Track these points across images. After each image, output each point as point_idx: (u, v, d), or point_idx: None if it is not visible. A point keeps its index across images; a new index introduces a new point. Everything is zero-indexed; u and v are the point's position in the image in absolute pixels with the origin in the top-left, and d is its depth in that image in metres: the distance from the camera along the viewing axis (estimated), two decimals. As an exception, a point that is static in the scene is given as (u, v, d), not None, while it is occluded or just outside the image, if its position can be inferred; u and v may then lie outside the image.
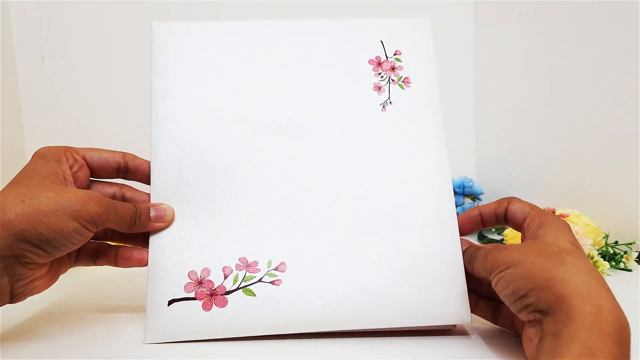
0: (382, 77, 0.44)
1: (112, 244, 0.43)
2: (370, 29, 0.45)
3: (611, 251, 0.59)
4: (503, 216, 0.42)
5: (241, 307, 0.39)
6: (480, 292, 0.42)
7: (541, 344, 0.32)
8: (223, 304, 0.39)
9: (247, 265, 0.40)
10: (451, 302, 0.39)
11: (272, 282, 0.39)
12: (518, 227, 0.41)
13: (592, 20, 0.69)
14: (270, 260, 0.40)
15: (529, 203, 0.41)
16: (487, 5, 0.82)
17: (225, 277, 0.40)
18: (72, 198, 0.36)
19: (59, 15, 0.83)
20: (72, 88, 0.86)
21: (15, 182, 0.38)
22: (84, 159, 0.42)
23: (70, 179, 0.40)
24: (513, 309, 0.35)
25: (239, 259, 0.40)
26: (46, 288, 0.39)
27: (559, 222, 0.38)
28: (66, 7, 0.83)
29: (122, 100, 0.87)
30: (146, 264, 0.41)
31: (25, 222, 0.34)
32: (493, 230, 0.84)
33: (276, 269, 0.40)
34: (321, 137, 0.43)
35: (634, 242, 0.61)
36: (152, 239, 0.41)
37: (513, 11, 0.79)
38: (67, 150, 0.41)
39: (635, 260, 0.61)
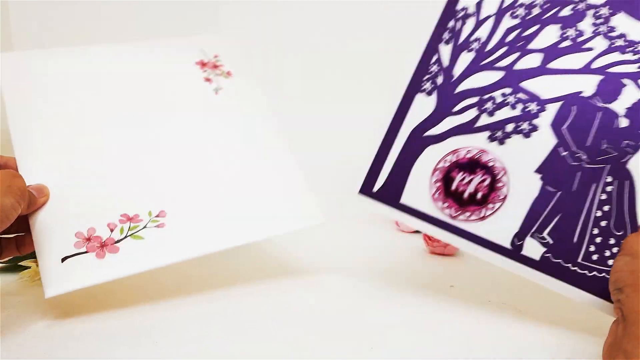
0: (208, 72, 0.57)
1: (5, 237, 0.46)
2: (190, 42, 0.59)
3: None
4: None
5: (133, 250, 0.44)
6: None
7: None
8: (115, 250, 0.43)
9: (130, 219, 0.46)
10: (302, 209, 0.52)
11: (157, 226, 0.46)
12: None
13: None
14: (150, 211, 0.46)
15: None
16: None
17: (112, 230, 0.45)
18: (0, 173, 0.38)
19: (59, 15, 0.83)
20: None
21: None
22: None
23: None
24: (612, 297, 0.35)
25: (121, 215, 0.46)
26: None
27: None
28: (66, 7, 0.83)
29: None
30: None
31: None
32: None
33: (157, 216, 0.46)
34: (173, 116, 0.52)
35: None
36: (32, 217, 0.44)
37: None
38: None
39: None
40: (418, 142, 0.49)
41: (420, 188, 0.48)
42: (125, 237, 0.44)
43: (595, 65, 0.44)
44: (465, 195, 0.46)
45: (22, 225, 0.44)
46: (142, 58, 0.55)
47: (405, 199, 0.48)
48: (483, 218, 0.45)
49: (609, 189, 0.42)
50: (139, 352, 0.37)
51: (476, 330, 0.43)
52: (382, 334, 0.42)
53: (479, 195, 0.46)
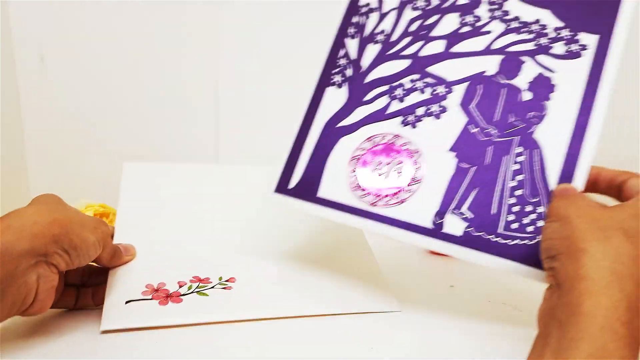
0: None
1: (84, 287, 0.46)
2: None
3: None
4: (617, 188, 0.38)
5: (195, 303, 0.43)
6: None
7: (548, 332, 0.31)
8: (178, 301, 0.43)
9: (200, 280, 0.47)
10: (379, 298, 0.48)
11: (224, 288, 0.46)
12: None
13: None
14: (221, 277, 0.47)
15: None
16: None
17: (180, 286, 0.45)
18: (90, 217, 0.41)
19: (59, 15, 0.83)
20: (72, 88, 0.86)
21: (32, 204, 0.39)
22: None
23: None
24: (544, 265, 0.34)
25: (193, 276, 0.47)
26: (46, 309, 0.38)
27: None
28: (66, 7, 0.83)
29: (121, 100, 0.87)
30: None
31: (60, 227, 0.36)
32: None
33: (227, 281, 0.47)
34: (254, 214, 0.58)
35: None
36: (113, 270, 0.46)
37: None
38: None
39: None
40: (332, 134, 0.47)
41: (337, 179, 0.46)
42: (192, 292, 0.45)
43: (495, 46, 0.45)
44: (383, 180, 0.45)
45: (103, 278, 0.45)
46: (237, 178, 0.62)
47: (322, 192, 0.46)
48: (402, 201, 0.44)
49: (520, 159, 0.42)
50: (141, 352, 0.37)
51: (476, 330, 0.43)
52: (382, 334, 0.42)
53: (397, 179, 0.44)
